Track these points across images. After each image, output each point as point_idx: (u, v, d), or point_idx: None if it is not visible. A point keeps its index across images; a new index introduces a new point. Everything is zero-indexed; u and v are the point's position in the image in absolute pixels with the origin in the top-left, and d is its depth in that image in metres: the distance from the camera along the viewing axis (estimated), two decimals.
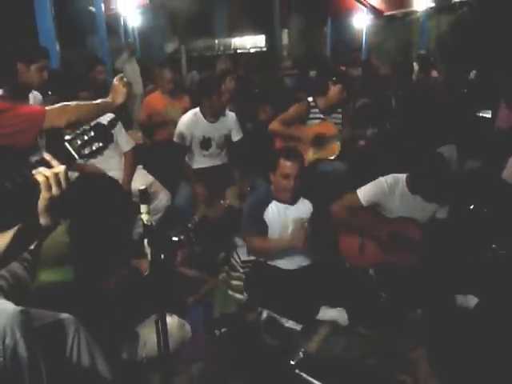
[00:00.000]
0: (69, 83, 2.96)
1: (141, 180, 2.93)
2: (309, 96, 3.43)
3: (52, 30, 3.71)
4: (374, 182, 2.52)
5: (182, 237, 1.66)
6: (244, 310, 2.44)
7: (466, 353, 1.96)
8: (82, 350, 1.55)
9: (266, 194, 2.49)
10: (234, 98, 4.18)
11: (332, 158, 3.32)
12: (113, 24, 7.15)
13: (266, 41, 11.50)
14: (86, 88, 2.96)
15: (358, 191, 2.50)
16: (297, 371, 1.89)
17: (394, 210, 2.46)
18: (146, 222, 1.35)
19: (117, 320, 1.99)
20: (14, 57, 2.13)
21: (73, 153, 1.14)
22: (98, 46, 5.64)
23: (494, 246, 2.55)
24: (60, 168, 1.00)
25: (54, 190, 0.97)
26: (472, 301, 2.30)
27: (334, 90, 3.32)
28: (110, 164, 2.89)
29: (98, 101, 2.07)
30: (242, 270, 2.66)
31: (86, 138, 1.15)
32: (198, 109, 3.31)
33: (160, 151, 3.66)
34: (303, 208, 2.49)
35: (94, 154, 1.17)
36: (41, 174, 0.97)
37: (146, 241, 1.35)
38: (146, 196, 1.36)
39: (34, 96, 2.41)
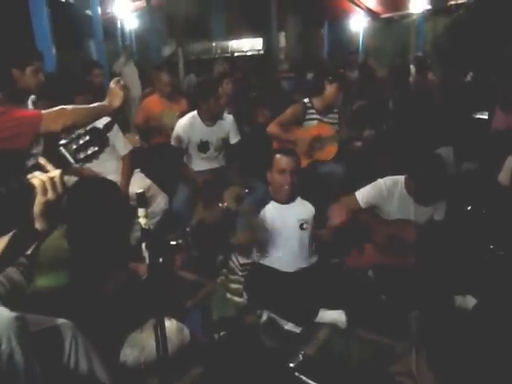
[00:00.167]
0: (65, 87, 2.95)
1: (138, 183, 2.92)
2: (305, 98, 3.44)
3: (48, 33, 3.71)
4: (372, 184, 2.52)
5: (180, 241, 1.65)
6: (243, 313, 2.43)
7: (465, 354, 1.95)
8: (80, 355, 1.54)
9: (263, 196, 2.49)
10: (231, 101, 4.17)
11: (329, 159, 3.32)
12: (110, 27, 7.16)
13: (264, 44, 11.51)
14: (83, 91, 2.95)
15: (357, 193, 2.50)
16: (296, 374, 1.89)
17: (392, 212, 2.46)
18: (143, 226, 1.34)
19: (115, 324, 1.98)
20: (8, 62, 2.09)
21: (68, 157, 1.13)
22: (95, 50, 5.65)
23: (491, 246, 2.55)
24: (56, 172, 1.00)
25: (50, 195, 0.97)
26: (470, 302, 2.29)
27: (330, 90, 3.31)
28: (107, 168, 2.89)
29: (95, 104, 2.05)
30: (240, 273, 2.65)
31: (81, 142, 1.14)
32: (195, 112, 3.31)
33: (157, 154, 3.66)
34: (303, 208, 2.49)
35: (89, 158, 1.17)
36: (36, 178, 0.96)
37: (143, 244, 1.34)
38: (143, 199, 1.36)
39: (33, 101, 2.40)
